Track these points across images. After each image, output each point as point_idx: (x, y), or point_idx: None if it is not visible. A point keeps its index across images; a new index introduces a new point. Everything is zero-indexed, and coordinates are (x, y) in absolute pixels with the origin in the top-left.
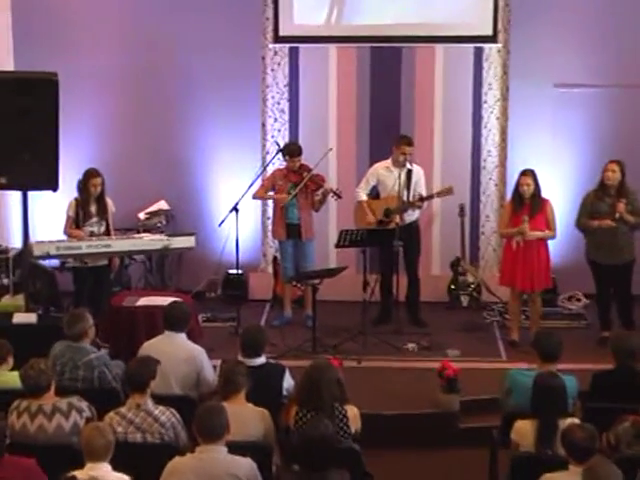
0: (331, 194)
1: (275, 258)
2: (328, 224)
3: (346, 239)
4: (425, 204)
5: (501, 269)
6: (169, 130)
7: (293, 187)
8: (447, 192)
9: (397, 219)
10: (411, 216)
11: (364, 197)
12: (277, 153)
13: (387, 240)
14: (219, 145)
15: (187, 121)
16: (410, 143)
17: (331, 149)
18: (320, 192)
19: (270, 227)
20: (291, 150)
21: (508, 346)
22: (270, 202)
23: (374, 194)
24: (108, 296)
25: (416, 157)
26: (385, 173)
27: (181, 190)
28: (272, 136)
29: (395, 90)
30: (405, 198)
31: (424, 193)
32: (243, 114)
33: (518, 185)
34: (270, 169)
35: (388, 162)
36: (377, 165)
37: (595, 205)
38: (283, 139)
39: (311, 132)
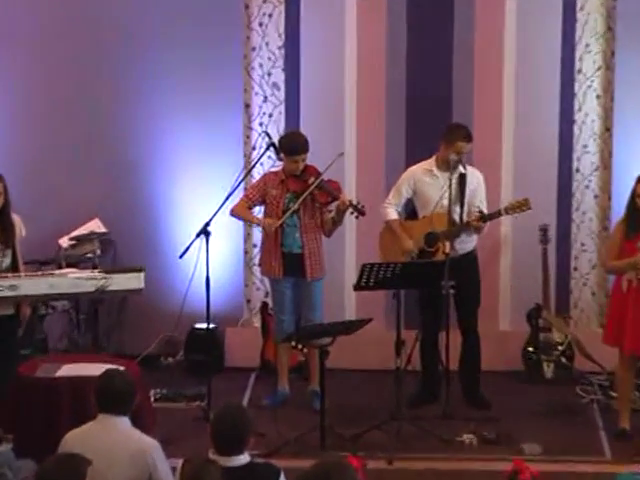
0: (350, 210)
1: (265, 305)
2: (344, 255)
3: (371, 277)
4: (487, 225)
5: (605, 322)
6: (109, 119)
7: (293, 200)
8: (521, 207)
9: (446, 248)
10: (466, 243)
11: (395, 215)
12: (268, 149)
13: (431, 279)
14: (182, 139)
15: (135, 104)
16: (468, 137)
17: (341, 154)
18: (334, 207)
19: (258, 259)
20: (290, 144)
21: (615, 438)
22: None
23: (409, 211)
24: (14, 363)
25: (473, 155)
26: (427, 179)
27: (124, 204)
28: (260, 124)
29: (444, 54)
30: (457, 216)
31: (485, 209)
32: (217, 91)
33: (634, 196)
34: (258, 172)
35: (431, 163)
36: (414, 168)
37: None
38: (277, 128)
39: (318, 118)
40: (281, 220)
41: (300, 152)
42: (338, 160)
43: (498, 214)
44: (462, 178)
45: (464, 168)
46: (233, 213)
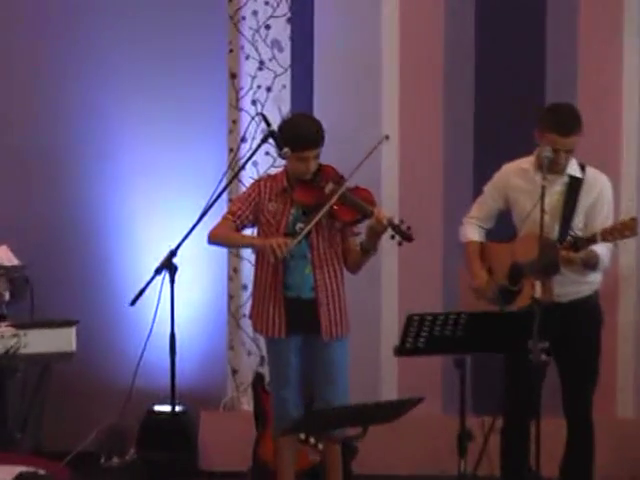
0: (389, 233)
1: (260, 378)
2: (380, 299)
3: (420, 335)
4: (606, 256)
5: None
6: (27, 105)
7: (302, 218)
8: (623, 231)
9: (534, 289)
10: (579, 285)
11: (475, 235)
12: (265, 141)
13: (513, 339)
14: (137, 126)
15: (66, 82)
16: (562, 127)
17: (386, 137)
18: (364, 229)
19: (248, 308)
20: (297, 134)
21: None
22: (247, 252)
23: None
24: None
25: (582, 151)
26: (521, 183)
27: (46, 226)
28: (254, 102)
29: (533, 10)
30: (558, 236)
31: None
32: (190, 54)
33: None
34: (250, 176)
35: (529, 161)
36: (509, 166)
37: None
38: (278, 110)
39: (341, 94)
40: (289, 247)
41: (312, 145)
42: (375, 154)
43: (591, 240)
44: (574, 184)
45: (581, 171)
46: (213, 238)
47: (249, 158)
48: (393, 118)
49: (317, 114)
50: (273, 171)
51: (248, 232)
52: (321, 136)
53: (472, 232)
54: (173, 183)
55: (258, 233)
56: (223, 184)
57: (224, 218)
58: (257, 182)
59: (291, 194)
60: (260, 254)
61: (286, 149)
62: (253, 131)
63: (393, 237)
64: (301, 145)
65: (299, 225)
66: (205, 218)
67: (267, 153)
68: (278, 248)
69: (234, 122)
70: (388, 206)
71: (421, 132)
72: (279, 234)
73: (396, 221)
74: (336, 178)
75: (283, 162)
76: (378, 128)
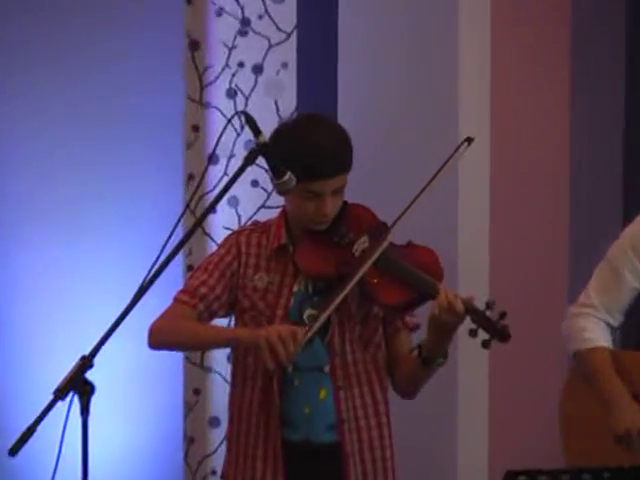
0: (471, 327)
1: None
2: (455, 440)
3: None
4: None
5: None
6: None
7: (311, 298)
8: None
9: None
10: None
11: (599, 337)
12: (251, 162)
13: None
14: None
15: None
16: None
17: (468, 141)
18: (428, 320)
19: (221, 461)
20: (308, 152)
21: None
22: (218, 362)
23: None
24: None
25: None
26: None
27: None
28: (230, 92)
29: None
30: None
31: None
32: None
33: None
34: (220, 224)
35: None
36: None
37: None
38: (274, 109)
39: (388, 80)
40: (308, 335)
41: (333, 170)
42: (461, 151)
43: None
44: None
45: None
46: (158, 336)
47: (223, 192)
48: (479, 117)
49: (343, 113)
50: (264, 216)
51: (221, 324)
52: (348, 154)
53: (595, 331)
54: (89, 243)
55: (236, 325)
56: (176, 239)
57: (177, 301)
58: (236, 236)
59: (293, 257)
60: (240, 363)
61: (287, 176)
62: (230, 144)
63: (474, 334)
64: (314, 170)
65: (309, 312)
66: (142, 302)
67: (255, 183)
68: (281, 344)
69: (195, 129)
70: (468, 278)
71: (535, 143)
72: (275, 319)
73: (481, 306)
74: (374, 228)
75: (281, 199)
76: (453, 133)
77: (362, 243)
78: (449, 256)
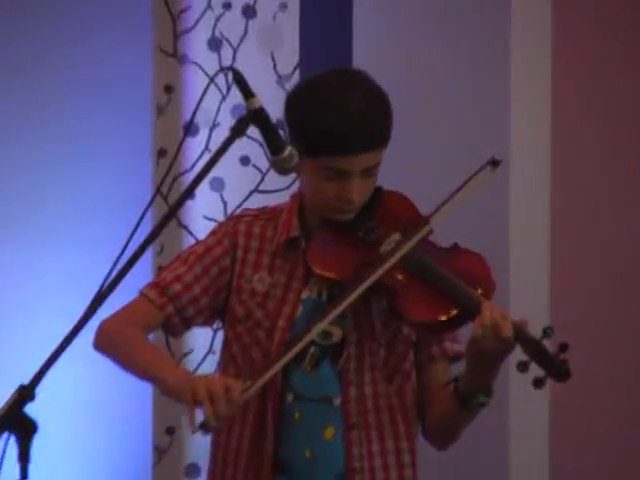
0: (522, 360)
1: None
2: None
3: None
4: None
5: None
6: None
7: (325, 306)
8: None
9: None
10: None
11: None
12: (240, 133)
13: None
14: None
15: None
16: None
17: (494, 163)
18: (467, 344)
19: None
20: (327, 120)
21: None
22: None
23: None
24: None
25: None
26: None
27: None
28: (213, 42)
29: None
30: None
31: None
32: None
33: None
34: (200, 213)
35: None
36: None
37: None
38: (271, 65)
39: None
40: (251, 390)
41: (364, 143)
42: (484, 176)
43: None
44: None
45: None
46: (104, 336)
47: (204, 172)
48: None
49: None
50: (256, 203)
51: (201, 337)
52: (386, 124)
53: None
54: (39, 242)
55: (227, 340)
56: (144, 233)
57: (142, 296)
58: (233, 223)
59: (305, 254)
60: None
61: (287, 151)
62: (213, 110)
63: (524, 368)
64: (339, 141)
65: (314, 328)
66: (100, 314)
67: (245, 161)
68: (209, 403)
69: (168, 90)
70: (523, 300)
71: (600, 147)
72: (271, 344)
73: (536, 333)
74: (412, 224)
75: (279, 182)
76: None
77: (393, 242)
78: (498, 271)
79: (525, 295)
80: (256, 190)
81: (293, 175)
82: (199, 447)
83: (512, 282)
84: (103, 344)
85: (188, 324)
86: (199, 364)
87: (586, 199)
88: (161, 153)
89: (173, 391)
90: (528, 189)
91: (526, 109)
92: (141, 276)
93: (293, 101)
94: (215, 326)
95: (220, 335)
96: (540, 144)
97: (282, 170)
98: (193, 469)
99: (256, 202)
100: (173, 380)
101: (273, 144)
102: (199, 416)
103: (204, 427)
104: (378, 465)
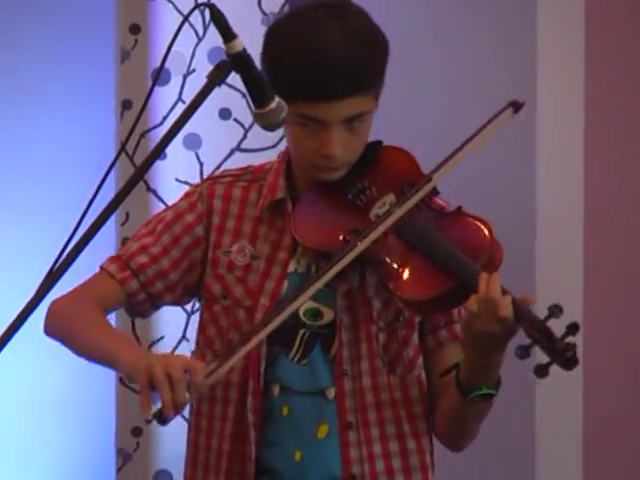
0: (522, 341)
1: None
2: None
3: None
4: None
5: None
6: None
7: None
8: None
9: None
10: None
11: None
12: (220, 80)
13: None
14: None
15: None
16: None
17: (515, 107)
18: (461, 325)
19: None
20: (306, 58)
21: None
22: None
23: None
24: None
25: None
26: None
27: None
28: None
29: None
30: None
31: None
32: None
33: None
34: (172, 175)
35: None
36: None
37: None
38: (261, 2)
39: None
40: (220, 370)
41: (342, 87)
42: (503, 121)
43: None
44: None
45: None
46: (51, 323)
47: (177, 127)
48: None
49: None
50: (238, 162)
51: (172, 314)
52: (373, 65)
53: None
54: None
55: (202, 322)
56: (107, 197)
57: (102, 271)
58: (208, 185)
59: (291, 220)
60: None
61: (274, 103)
62: (187, 54)
63: (525, 354)
64: (310, 84)
65: (308, 306)
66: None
67: (225, 114)
68: (167, 386)
69: (134, 30)
70: (551, 288)
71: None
72: (252, 322)
73: (541, 313)
74: (410, 183)
75: (265, 139)
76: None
77: (384, 204)
78: (524, 254)
79: (554, 285)
80: (238, 148)
81: (281, 131)
82: (171, 450)
83: (538, 269)
84: (52, 326)
85: (156, 303)
86: (171, 352)
87: (620, 180)
88: (126, 105)
89: (126, 372)
90: (558, 164)
91: (556, 74)
92: (103, 250)
93: (267, 36)
94: (189, 308)
95: (195, 320)
96: (572, 131)
97: (268, 125)
98: (164, 477)
99: (237, 162)
100: (127, 359)
101: (257, 95)
102: (156, 402)
103: (160, 416)
104: (381, 469)
